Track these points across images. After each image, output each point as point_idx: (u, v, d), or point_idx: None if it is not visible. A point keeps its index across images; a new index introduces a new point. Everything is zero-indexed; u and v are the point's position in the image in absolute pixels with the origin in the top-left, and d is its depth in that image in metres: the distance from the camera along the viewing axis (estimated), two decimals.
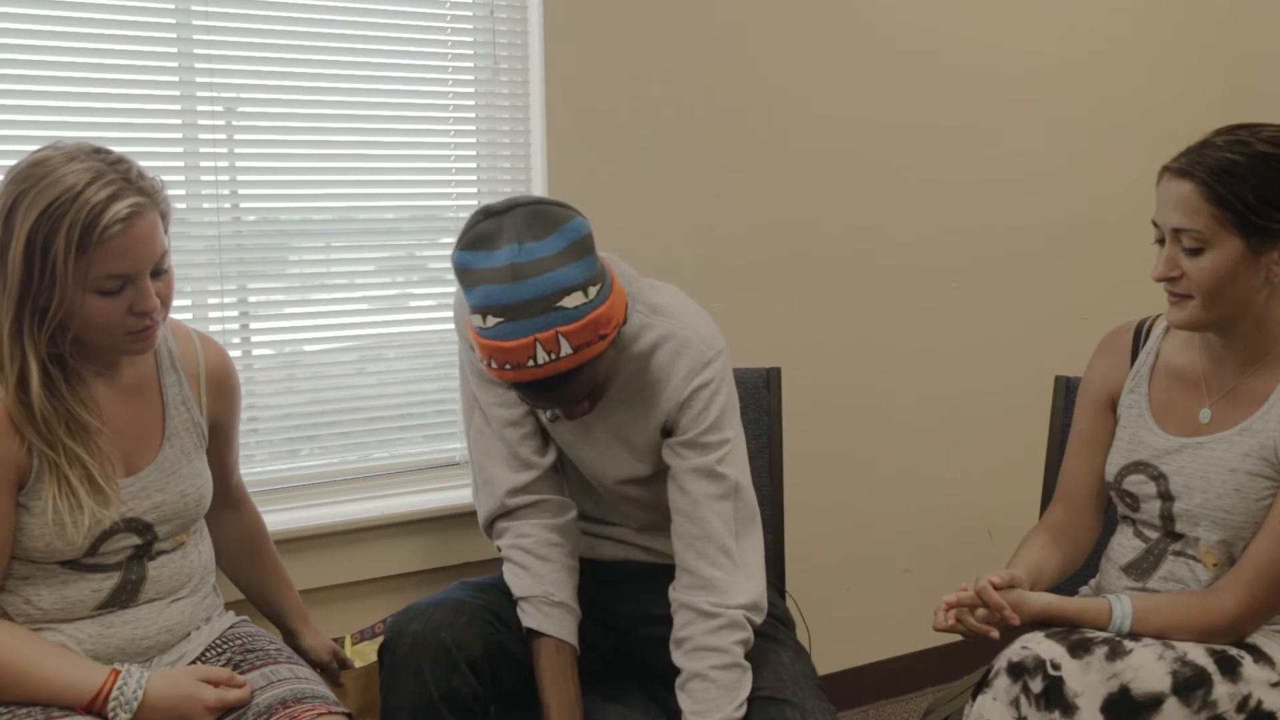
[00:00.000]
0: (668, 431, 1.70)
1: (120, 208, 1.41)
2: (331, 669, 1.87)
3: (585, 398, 1.59)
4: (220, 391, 1.70)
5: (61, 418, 1.47)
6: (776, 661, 1.69)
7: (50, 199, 1.39)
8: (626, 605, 1.82)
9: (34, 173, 1.42)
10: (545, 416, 1.74)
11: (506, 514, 1.75)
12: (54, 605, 1.51)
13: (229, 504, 1.81)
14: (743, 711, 1.60)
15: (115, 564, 1.55)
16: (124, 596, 1.56)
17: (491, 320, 1.47)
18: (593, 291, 1.50)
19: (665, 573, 1.75)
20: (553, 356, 1.46)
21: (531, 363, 1.46)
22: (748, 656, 1.64)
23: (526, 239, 1.46)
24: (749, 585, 1.66)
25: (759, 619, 1.67)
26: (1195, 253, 1.57)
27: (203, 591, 1.67)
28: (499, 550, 1.77)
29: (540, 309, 1.45)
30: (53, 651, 1.48)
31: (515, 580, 1.72)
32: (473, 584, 1.77)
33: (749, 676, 1.63)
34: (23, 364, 1.44)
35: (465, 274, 1.49)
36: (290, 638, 1.87)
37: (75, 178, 1.40)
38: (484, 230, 1.48)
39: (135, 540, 1.56)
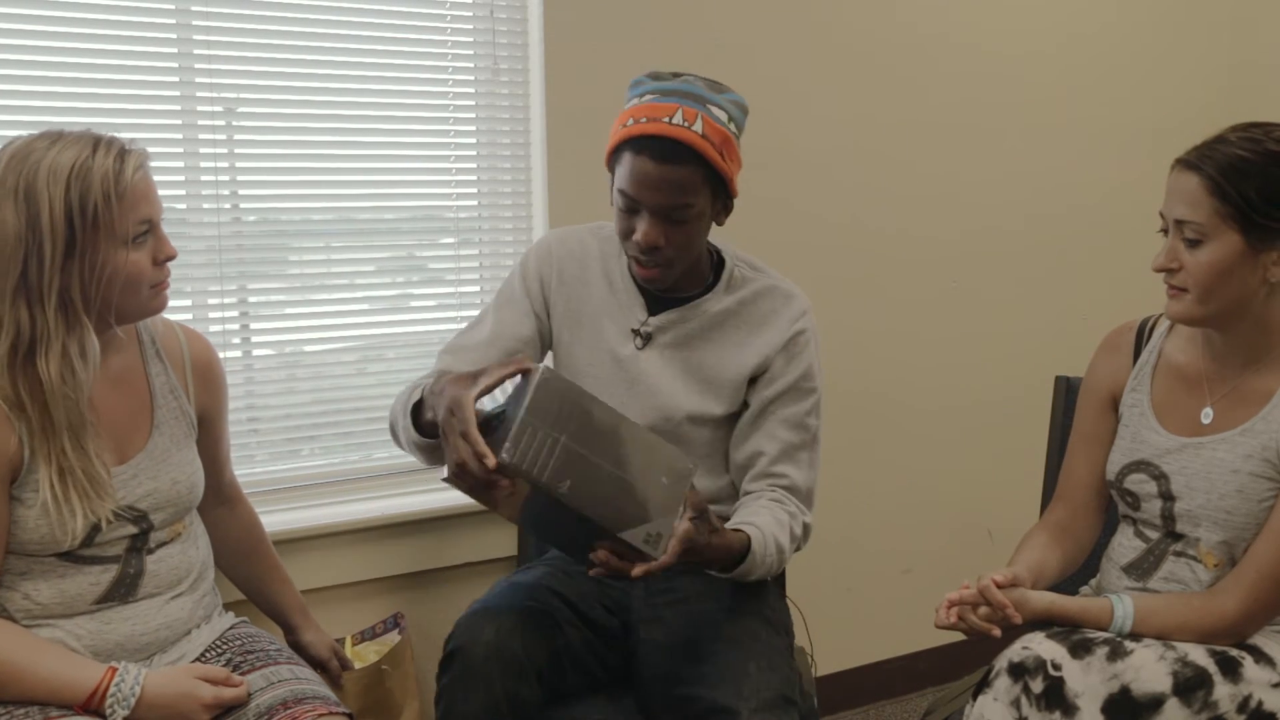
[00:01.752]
0: (756, 379, 1.80)
1: (132, 157, 1.49)
2: (332, 666, 1.87)
3: (672, 218, 1.67)
4: (206, 381, 1.70)
5: (64, 406, 1.47)
6: (740, 672, 1.61)
7: (69, 164, 1.44)
8: (634, 600, 1.80)
9: (33, 155, 1.45)
10: (631, 346, 1.79)
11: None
12: (53, 600, 1.51)
13: (223, 501, 1.81)
14: (772, 557, 1.65)
15: (113, 556, 1.55)
16: (122, 590, 1.56)
17: (648, 97, 1.68)
18: (734, 129, 1.71)
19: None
20: (687, 125, 1.65)
21: (667, 120, 1.65)
22: (719, 659, 1.62)
23: (700, 84, 1.71)
24: (806, 481, 1.80)
25: (806, 518, 1.77)
26: (1194, 245, 1.57)
27: (201, 589, 1.67)
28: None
29: (693, 98, 1.68)
30: (49, 649, 1.48)
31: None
32: (524, 587, 1.73)
33: (786, 535, 1.70)
34: (65, 336, 1.46)
35: (636, 85, 1.72)
36: (290, 634, 1.87)
37: (77, 148, 1.46)
38: (664, 73, 1.73)
39: (131, 529, 1.56)
